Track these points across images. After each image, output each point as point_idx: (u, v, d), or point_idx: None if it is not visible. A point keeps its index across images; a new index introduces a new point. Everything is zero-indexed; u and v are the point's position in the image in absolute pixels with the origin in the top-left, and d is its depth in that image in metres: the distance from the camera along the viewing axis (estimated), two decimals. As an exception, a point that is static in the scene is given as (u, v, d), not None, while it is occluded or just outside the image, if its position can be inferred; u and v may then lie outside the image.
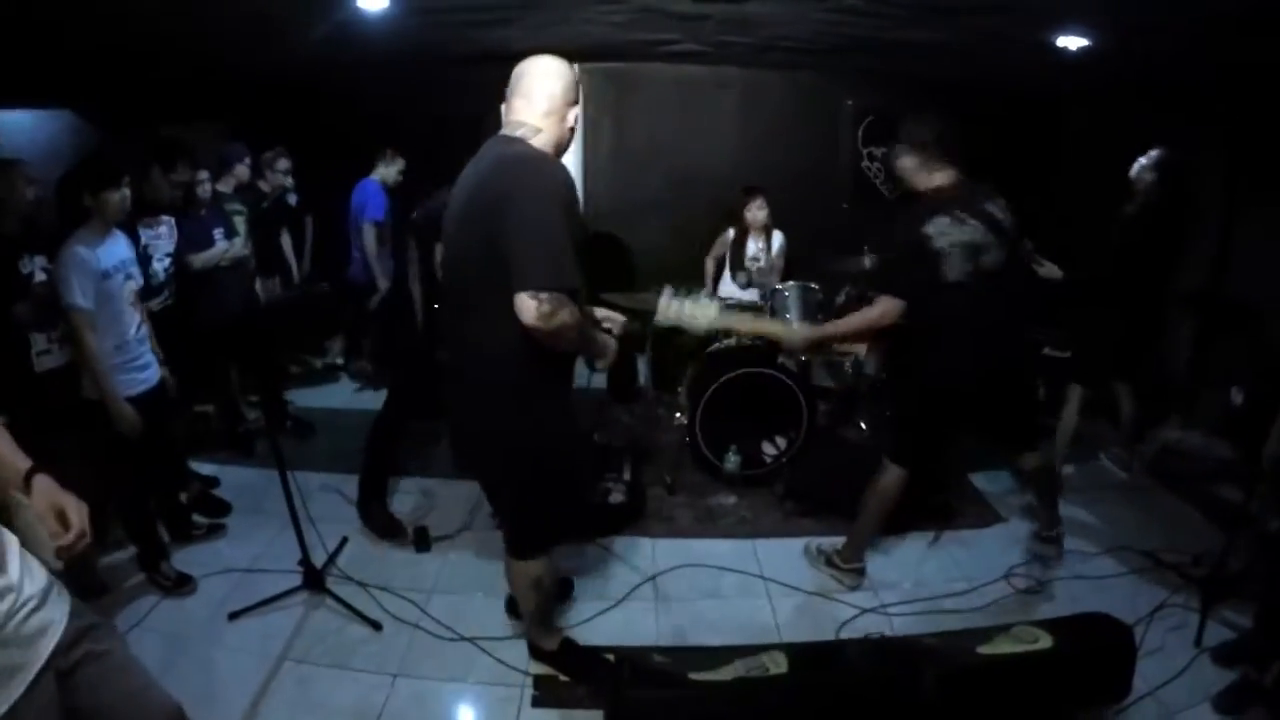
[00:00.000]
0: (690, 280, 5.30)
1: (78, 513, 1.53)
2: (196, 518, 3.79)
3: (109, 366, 3.00)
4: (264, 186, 5.13)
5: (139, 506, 3.32)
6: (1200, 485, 4.34)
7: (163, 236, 3.91)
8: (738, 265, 5.20)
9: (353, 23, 3.95)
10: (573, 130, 2.28)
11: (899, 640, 2.94)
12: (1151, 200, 3.99)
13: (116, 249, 3.13)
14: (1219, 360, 4.79)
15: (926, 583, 3.47)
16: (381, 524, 3.78)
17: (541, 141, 2.20)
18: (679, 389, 4.75)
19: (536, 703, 2.70)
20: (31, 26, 3.52)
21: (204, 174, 4.24)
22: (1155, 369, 4.71)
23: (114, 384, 2.99)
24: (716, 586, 3.44)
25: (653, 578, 3.47)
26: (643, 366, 5.43)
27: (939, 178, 2.95)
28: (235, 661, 2.87)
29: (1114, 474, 4.59)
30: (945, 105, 6.27)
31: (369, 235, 5.36)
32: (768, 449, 4.37)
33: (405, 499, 4.12)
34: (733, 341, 4.59)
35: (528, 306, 1.97)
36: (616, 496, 3.90)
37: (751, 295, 5.15)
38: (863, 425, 5.09)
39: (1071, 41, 4.00)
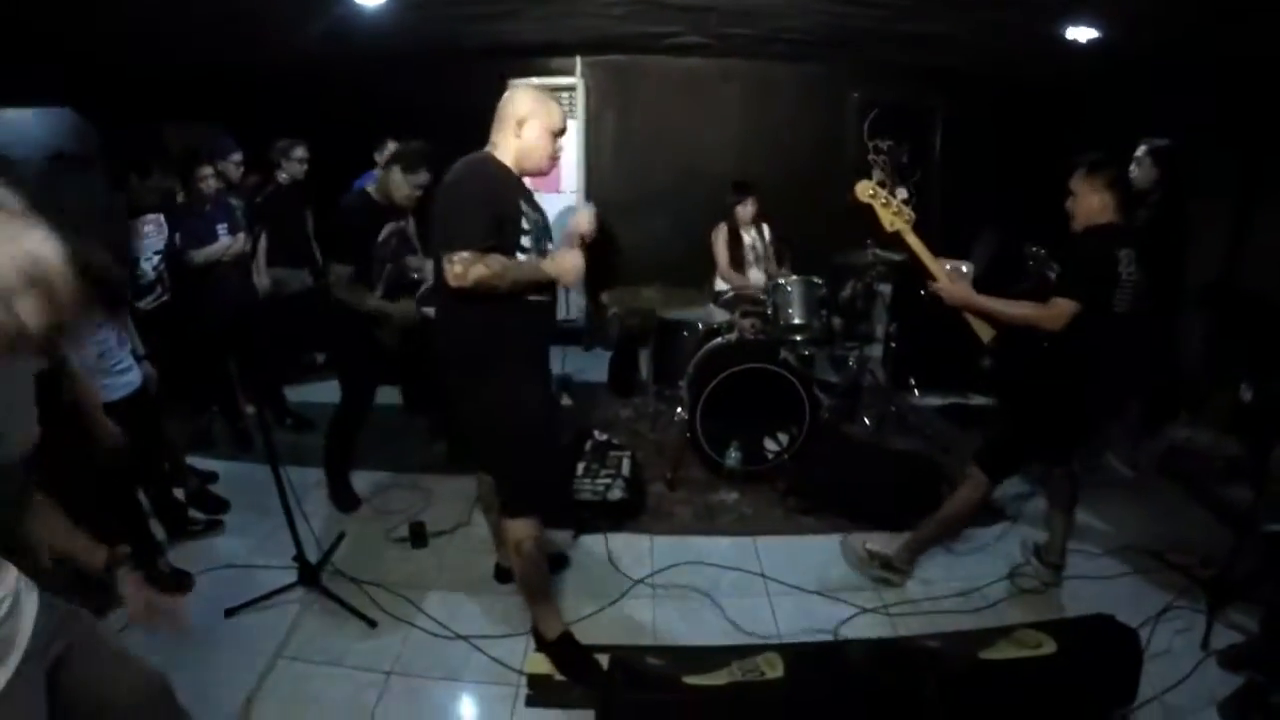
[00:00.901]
0: (691, 275, 5.31)
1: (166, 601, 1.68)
2: (194, 513, 3.78)
3: (88, 372, 2.91)
4: (281, 177, 5.08)
5: (129, 505, 3.28)
6: (1209, 484, 4.28)
7: (150, 235, 3.88)
8: (740, 261, 5.16)
9: (352, 17, 3.92)
10: (532, 141, 2.54)
11: (899, 643, 2.90)
12: (1163, 199, 3.95)
13: None
14: (1229, 356, 4.71)
15: (929, 582, 3.42)
16: (341, 499, 3.98)
17: (500, 154, 2.54)
18: (680, 383, 4.72)
19: (531, 702, 2.67)
20: (31, 23, 3.50)
21: (207, 170, 4.22)
22: (1165, 365, 4.65)
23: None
24: (716, 585, 3.39)
25: (651, 575, 3.44)
26: (644, 360, 5.39)
27: (1113, 214, 2.95)
28: (230, 658, 2.85)
29: (1121, 472, 4.53)
30: (951, 96, 6.32)
31: None
32: (769, 445, 4.32)
33: (402, 495, 4.10)
34: (734, 336, 4.56)
35: (445, 271, 2.30)
36: (616, 493, 3.86)
37: (757, 281, 5.13)
38: (866, 420, 5.05)
39: (1080, 33, 3.94)
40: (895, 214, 3.07)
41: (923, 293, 3.20)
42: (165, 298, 3.93)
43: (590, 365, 6.19)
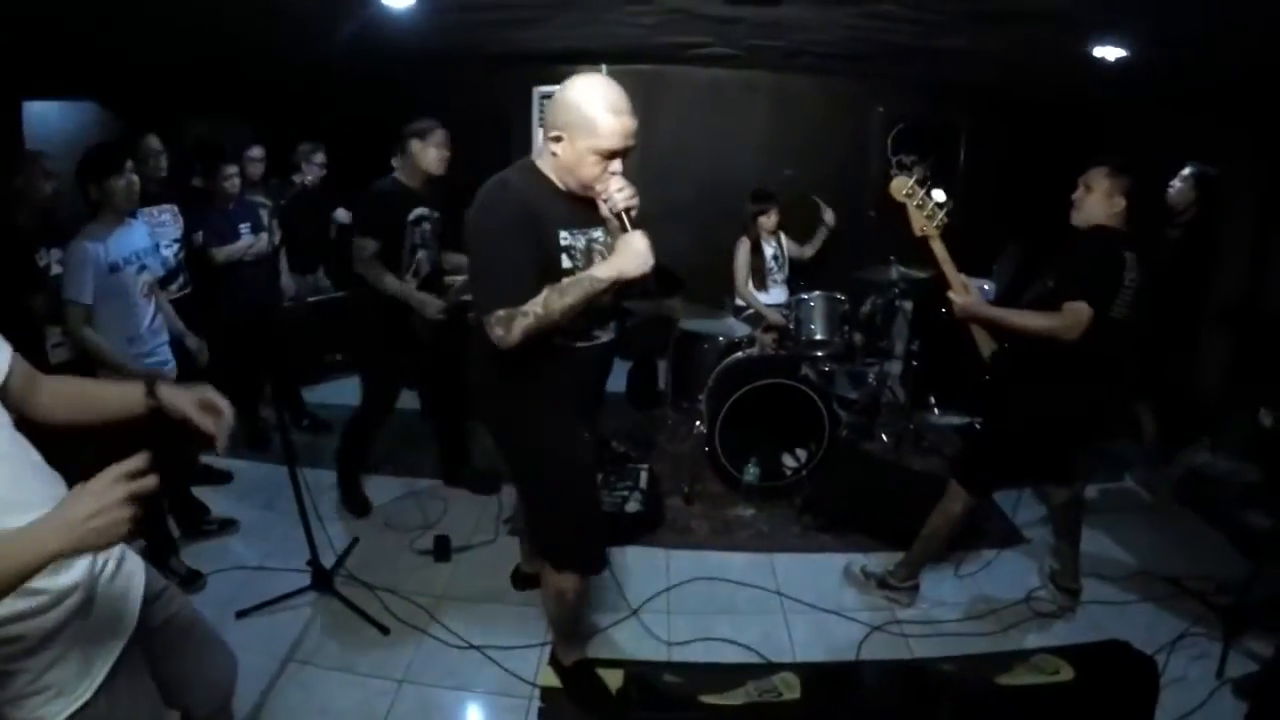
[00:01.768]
0: (712, 287, 5.29)
1: (216, 395, 1.59)
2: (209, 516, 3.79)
3: (118, 358, 2.98)
4: (301, 180, 5.11)
5: (151, 499, 3.29)
6: (1227, 510, 4.22)
7: (166, 224, 3.93)
8: (759, 272, 5.14)
9: (380, 20, 3.94)
10: (569, 162, 2.14)
11: (916, 665, 2.88)
12: (1195, 220, 3.96)
13: (130, 239, 3.12)
14: (1250, 380, 4.68)
15: (945, 603, 3.40)
16: (351, 502, 3.96)
17: (544, 165, 2.22)
18: (699, 396, 4.70)
19: (543, 715, 2.66)
20: (58, 19, 3.54)
21: (232, 168, 4.26)
22: (1185, 389, 4.62)
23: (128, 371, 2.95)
24: (732, 601, 3.38)
25: (667, 589, 3.41)
26: (663, 372, 5.38)
27: (1120, 221, 2.88)
28: (241, 661, 2.82)
29: (1139, 496, 4.49)
30: (978, 112, 6.30)
31: None
32: (788, 461, 4.29)
33: (431, 505, 4.06)
34: (755, 351, 4.54)
35: (489, 332, 2.06)
36: (633, 505, 3.85)
37: (776, 298, 5.11)
38: (884, 437, 5.03)
39: (1109, 52, 3.92)
40: (928, 217, 2.97)
41: (943, 311, 3.19)
42: (187, 290, 3.97)
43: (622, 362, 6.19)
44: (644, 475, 4.05)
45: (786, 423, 4.22)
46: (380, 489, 4.16)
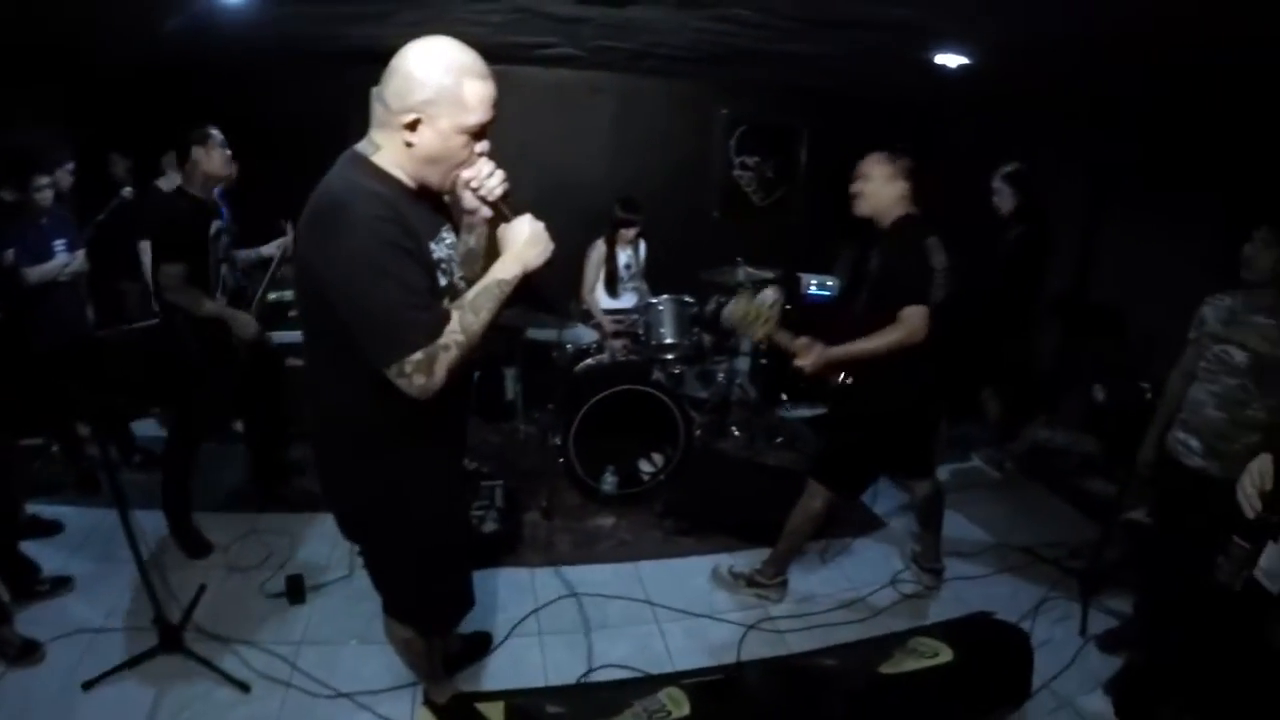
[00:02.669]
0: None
1: None
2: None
3: None
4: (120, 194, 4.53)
5: None
6: (1070, 480, 4.51)
7: None
8: (612, 277, 5.01)
9: (210, 14, 3.57)
10: (433, 149, 1.70)
11: (799, 662, 2.84)
12: (1025, 212, 4.22)
13: None
14: (1082, 360, 4.96)
15: (815, 595, 3.39)
16: (188, 544, 3.54)
17: (383, 161, 1.73)
18: (550, 406, 4.50)
19: (421, 758, 2.40)
20: None
21: (44, 179, 3.71)
22: (1024, 371, 4.85)
23: None
24: (604, 616, 3.22)
25: (536, 610, 3.22)
26: (510, 382, 5.16)
27: (910, 206, 2.92)
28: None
29: (987, 474, 4.69)
30: (820, 113, 6.43)
31: None
32: (645, 466, 4.22)
33: (277, 542, 3.62)
34: (605, 357, 4.43)
35: (400, 385, 1.62)
36: (490, 525, 3.61)
37: (626, 303, 5.00)
38: (736, 432, 5.02)
39: (950, 59, 4.04)
40: (765, 323, 2.96)
41: (798, 377, 3.13)
42: (-1, 316, 3.42)
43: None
44: (499, 493, 3.81)
45: (641, 428, 4.14)
46: (220, 526, 3.67)
